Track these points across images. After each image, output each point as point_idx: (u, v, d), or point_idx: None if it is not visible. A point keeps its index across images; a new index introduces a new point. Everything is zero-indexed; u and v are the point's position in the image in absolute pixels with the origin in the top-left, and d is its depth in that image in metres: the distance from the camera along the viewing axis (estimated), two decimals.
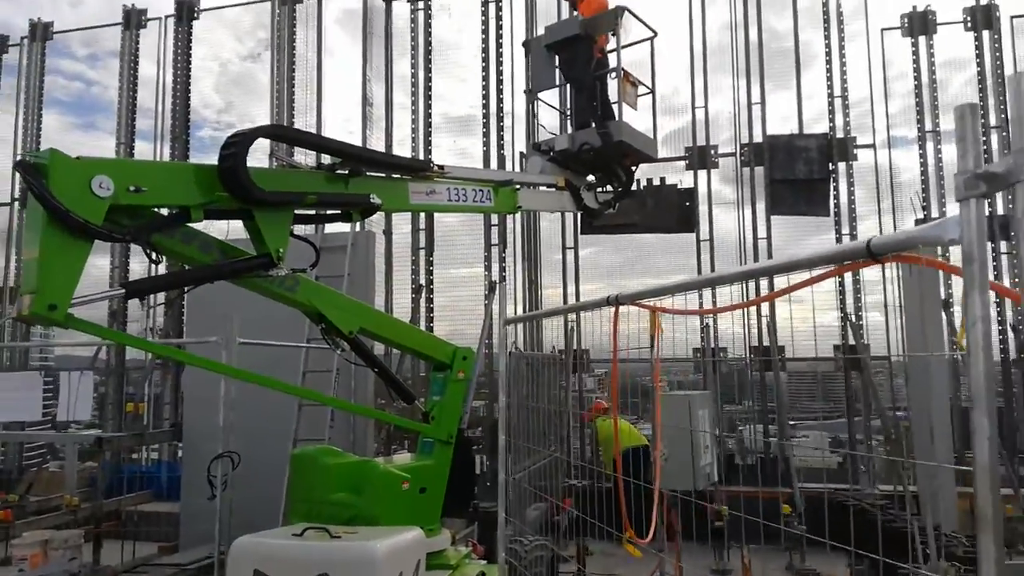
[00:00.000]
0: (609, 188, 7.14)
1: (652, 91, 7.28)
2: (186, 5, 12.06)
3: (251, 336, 6.35)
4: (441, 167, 5.01)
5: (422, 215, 10.33)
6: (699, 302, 7.55)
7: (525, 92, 8.24)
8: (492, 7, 10.44)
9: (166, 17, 12.11)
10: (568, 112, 7.35)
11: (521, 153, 10.19)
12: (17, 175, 12.68)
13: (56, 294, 3.13)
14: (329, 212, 4.35)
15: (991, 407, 1.37)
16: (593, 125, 6.83)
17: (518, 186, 5.93)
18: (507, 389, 4.74)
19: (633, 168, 7.42)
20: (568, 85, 7.37)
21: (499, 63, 10.42)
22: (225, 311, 6.08)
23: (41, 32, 12.98)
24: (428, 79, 10.72)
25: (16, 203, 12.51)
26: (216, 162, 3.59)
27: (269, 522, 4.94)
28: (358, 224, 8.59)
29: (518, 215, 10.36)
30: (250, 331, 6.36)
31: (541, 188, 6.65)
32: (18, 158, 3.27)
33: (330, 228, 8.59)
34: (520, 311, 10.48)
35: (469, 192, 5.24)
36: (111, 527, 8.45)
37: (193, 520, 7.61)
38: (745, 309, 10.07)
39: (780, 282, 1.95)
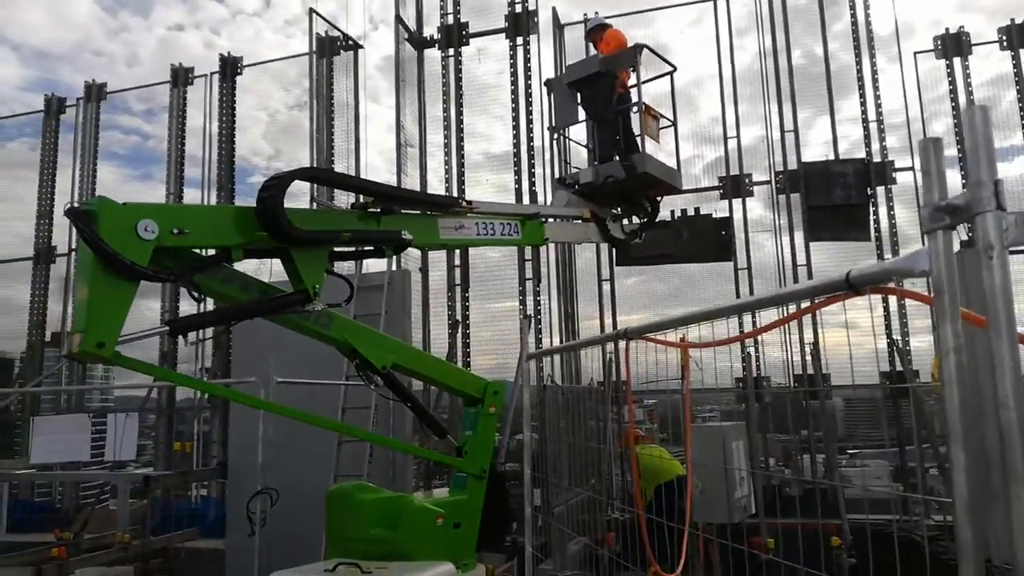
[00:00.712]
0: (636, 219, 7.22)
1: (674, 124, 7.38)
2: (230, 62, 12.67)
3: (292, 375, 6.53)
4: (470, 203, 5.13)
5: (457, 252, 10.50)
6: (736, 328, 7.48)
7: (549, 129, 8.39)
8: (520, 50, 10.70)
9: (211, 74, 12.74)
10: (592, 147, 7.48)
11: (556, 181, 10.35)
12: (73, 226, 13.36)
13: (104, 332, 3.30)
14: (363, 249, 4.51)
15: (967, 439, 1.38)
16: (617, 158, 6.94)
17: (545, 219, 6.03)
18: (532, 423, 4.76)
19: (658, 199, 7.50)
20: (590, 120, 7.51)
21: (528, 102, 10.63)
22: (267, 351, 6.29)
23: (96, 93, 13.81)
24: (460, 119, 10.98)
25: (74, 253, 13.17)
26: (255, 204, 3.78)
27: (310, 559, 5.03)
28: (394, 263, 8.83)
29: (552, 248, 10.46)
30: (291, 370, 6.54)
31: (568, 221, 6.75)
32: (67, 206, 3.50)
33: (367, 267, 8.80)
34: (557, 343, 10.51)
35: (497, 226, 5.35)
36: (160, 564, 8.66)
37: (237, 556, 7.75)
38: (742, 341, 9.90)
39: (772, 314, 1.97)
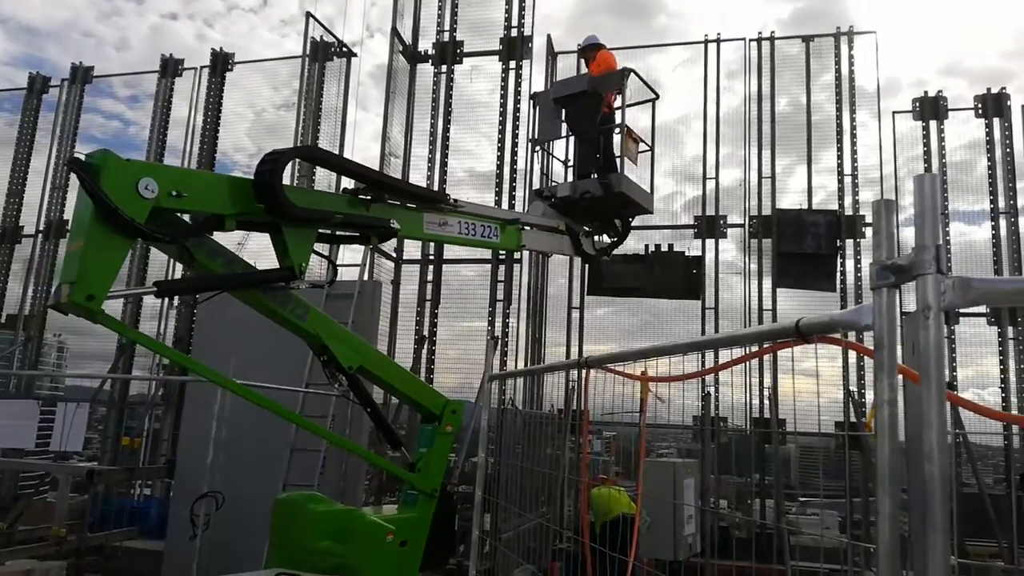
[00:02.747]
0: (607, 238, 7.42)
1: (651, 149, 7.63)
2: (221, 57, 12.63)
3: (251, 379, 6.44)
4: (456, 201, 5.24)
5: (430, 268, 10.50)
6: (699, 367, 7.57)
7: (531, 141, 8.56)
8: (512, 74, 10.81)
9: (201, 67, 12.68)
10: (571, 163, 7.71)
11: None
12: (44, 207, 13.14)
13: (95, 285, 3.31)
14: (349, 234, 4.56)
15: (895, 487, 1.42)
16: (594, 175, 7.15)
17: (523, 226, 6.16)
18: (489, 446, 4.76)
19: (630, 219, 7.74)
20: (572, 136, 7.73)
21: (515, 125, 10.73)
22: (227, 354, 6.20)
23: (82, 75, 13.66)
24: (446, 135, 11.03)
25: (40, 235, 12.92)
26: (253, 177, 3.83)
27: (251, 567, 4.94)
28: (366, 273, 8.81)
29: (525, 272, 10.52)
30: (250, 374, 6.44)
31: (545, 231, 6.91)
32: (75, 156, 3.51)
33: (338, 275, 8.76)
34: (522, 367, 10.52)
35: (478, 227, 5.49)
36: (94, 561, 8.41)
37: (176, 559, 7.57)
38: (703, 381, 10.10)
39: (728, 354, 2.01)
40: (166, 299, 11.60)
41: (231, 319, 7.31)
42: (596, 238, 7.61)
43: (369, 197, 4.48)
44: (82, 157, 3.42)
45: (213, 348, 7.26)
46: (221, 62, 12.62)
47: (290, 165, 5.82)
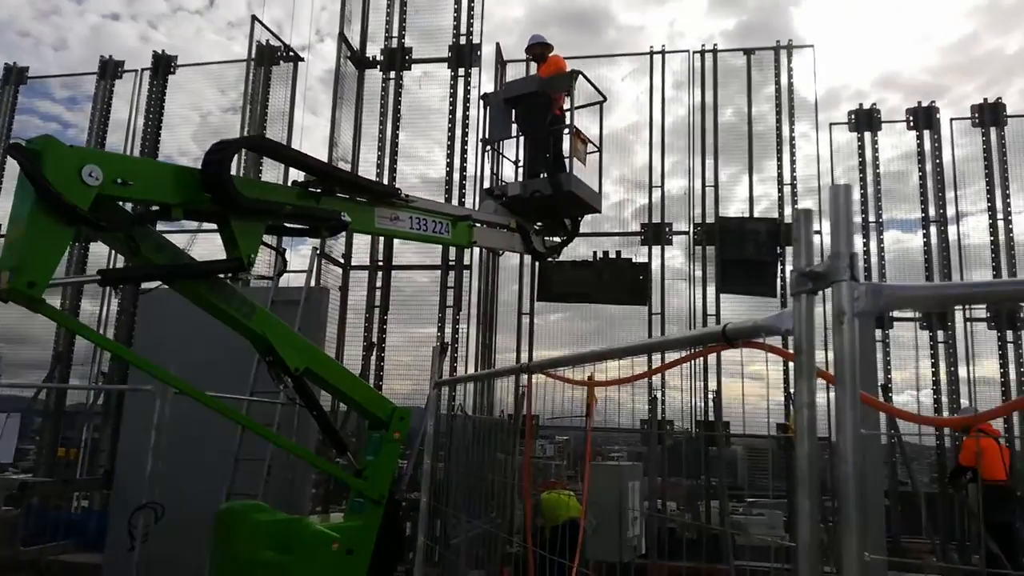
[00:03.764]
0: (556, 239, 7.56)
1: (600, 150, 7.81)
2: (163, 60, 12.34)
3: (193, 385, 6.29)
4: (407, 196, 5.23)
5: (379, 274, 10.44)
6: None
7: (482, 141, 8.65)
8: (461, 81, 10.83)
9: (142, 70, 12.36)
10: (521, 163, 7.84)
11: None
12: None
13: (36, 273, 3.22)
14: (298, 226, 4.51)
15: (813, 488, 1.48)
16: (544, 175, 7.29)
17: (474, 223, 6.21)
18: (440, 452, 4.76)
19: (579, 219, 7.91)
20: (523, 137, 7.86)
21: (465, 132, 10.74)
22: (167, 360, 6.05)
23: (16, 76, 13.19)
24: (395, 141, 10.98)
25: None
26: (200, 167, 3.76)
27: None
28: (313, 279, 8.70)
29: (475, 278, 10.54)
30: (191, 382, 6.30)
31: (496, 228, 6.98)
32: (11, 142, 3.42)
33: (284, 281, 8.64)
34: (472, 372, 10.53)
35: (430, 223, 5.50)
36: None
37: (114, 572, 7.36)
38: (650, 385, 10.27)
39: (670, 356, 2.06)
40: (104, 308, 11.31)
41: (172, 326, 7.15)
42: (546, 237, 7.74)
43: (319, 190, 4.46)
44: (23, 143, 3.33)
45: (153, 355, 7.03)
46: (163, 64, 12.32)
47: (237, 158, 5.74)
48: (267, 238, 4.35)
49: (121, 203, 3.77)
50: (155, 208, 3.81)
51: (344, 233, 10.27)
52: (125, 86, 12.53)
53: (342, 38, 10.79)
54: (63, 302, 11.54)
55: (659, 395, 10.73)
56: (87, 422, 10.82)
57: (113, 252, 10.76)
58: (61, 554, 8.95)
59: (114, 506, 8.36)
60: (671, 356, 2.46)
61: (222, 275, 4.01)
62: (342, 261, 10.36)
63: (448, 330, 10.09)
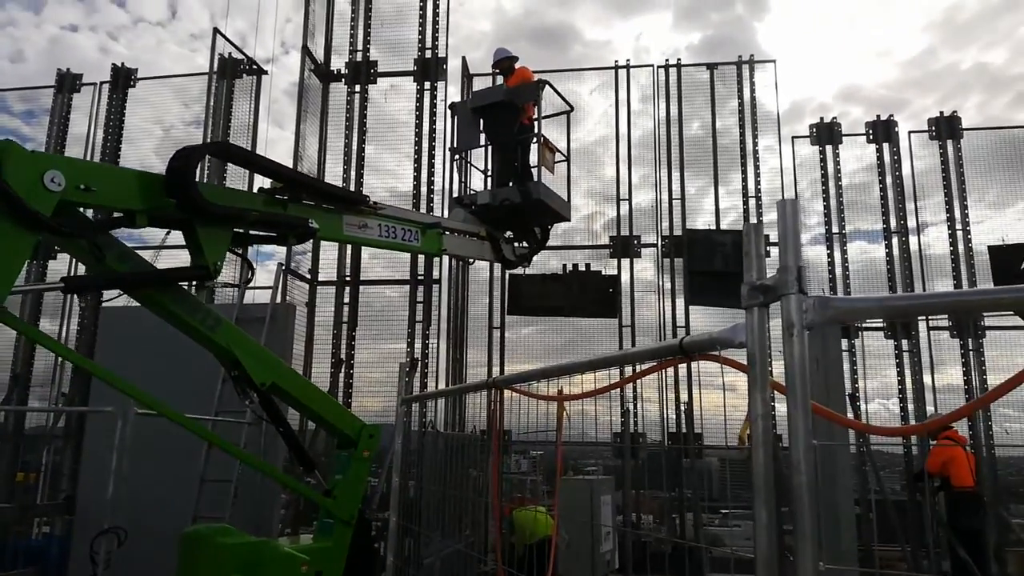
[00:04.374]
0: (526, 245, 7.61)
1: (568, 160, 7.89)
2: (123, 73, 12.16)
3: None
4: (376, 204, 5.21)
5: (346, 289, 10.34)
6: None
7: (450, 150, 8.67)
8: (427, 95, 10.83)
9: (101, 83, 12.16)
10: (490, 172, 7.89)
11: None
12: None
13: None
14: (265, 233, 4.44)
15: (769, 499, 1.49)
16: (512, 184, 7.34)
17: (444, 231, 6.20)
18: (411, 469, 4.71)
19: (548, 227, 7.97)
20: (491, 146, 7.93)
21: (432, 146, 10.72)
22: (129, 378, 5.92)
23: None
24: (361, 154, 10.91)
25: None
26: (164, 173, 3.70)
27: None
28: (278, 296, 8.60)
29: (445, 292, 10.49)
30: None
31: (465, 236, 6.99)
32: None
33: (249, 298, 8.54)
34: (444, 388, 10.46)
35: (399, 231, 5.48)
36: None
37: None
38: (623, 398, 10.31)
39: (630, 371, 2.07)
40: (64, 326, 11.06)
41: (134, 346, 7.02)
42: (516, 245, 7.79)
43: (286, 197, 4.41)
44: None
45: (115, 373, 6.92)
46: (123, 77, 12.14)
47: (200, 167, 5.67)
48: (233, 247, 4.29)
49: (83, 210, 3.70)
50: (118, 215, 3.76)
51: (311, 248, 10.22)
52: (84, 99, 12.32)
53: (306, 51, 10.74)
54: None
55: (631, 408, 10.76)
56: (47, 445, 10.53)
57: (73, 266, 10.60)
58: None
59: (76, 531, 8.15)
60: (640, 369, 2.46)
61: (188, 283, 3.97)
62: (309, 277, 10.26)
63: (418, 345, 10.02)
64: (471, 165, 8.60)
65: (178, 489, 7.13)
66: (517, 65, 8.50)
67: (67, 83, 12.37)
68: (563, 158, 8.07)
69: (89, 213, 3.92)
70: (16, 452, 10.78)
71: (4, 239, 3.16)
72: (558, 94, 8.30)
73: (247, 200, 4.32)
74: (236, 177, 10.22)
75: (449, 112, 8.73)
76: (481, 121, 8.02)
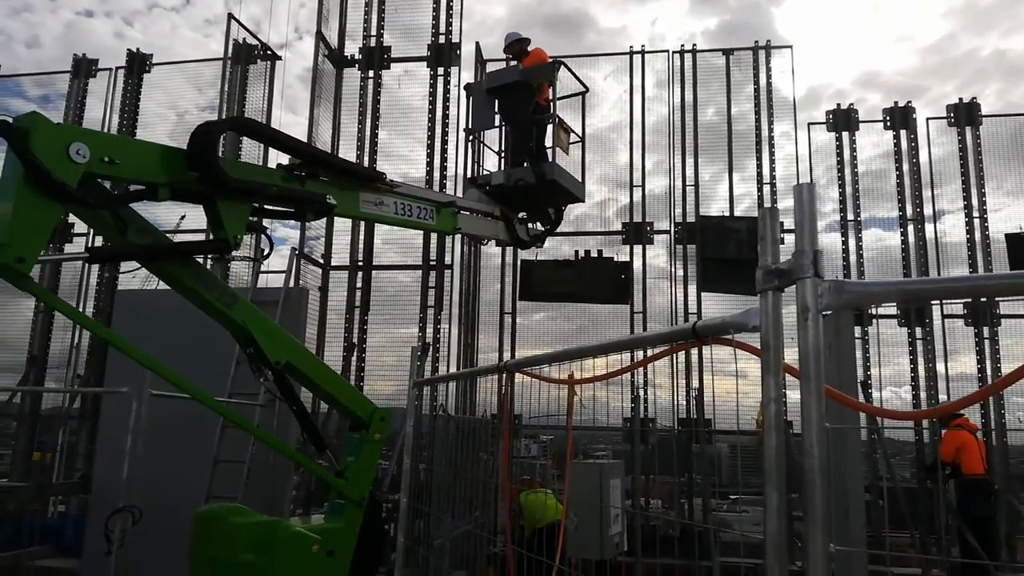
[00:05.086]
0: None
1: (582, 140, 7.85)
2: (138, 58, 12.20)
3: (170, 388, 6.23)
4: (393, 182, 5.23)
5: (359, 274, 10.38)
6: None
7: (465, 131, 8.66)
8: (441, 80, 10.80)
9: (116, 68, 12.20)
10: (504, 153, 7.88)
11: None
12: None
13: (25, 248, 3.21)
14: (283, 209, 4.48)
15: (780, 482, 1.49)
16: (526, 164, 7.33)
17: (459, 210, 6.21)
18: (423, 452, 4.74)
19: (563, 207, 7.96)
20: (506, 126, 7.91)
21: (445, 132, 10.70)
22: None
23: None
24: (374, 139, 10.92)
25: None
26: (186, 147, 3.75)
27: None
28: (291, 280, 8.64)
29: (457, 277, 10.51)
30: (168, 384, 6.24)
31: (480, 216, 7.00)
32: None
33: (263, 282, 8.58)
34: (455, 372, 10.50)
35: (414, 209, 5.51)
36: None
37: None
38: (633, 383, 10.34)
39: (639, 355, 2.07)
40: (80, 308, 11.16)
41: (149, 328, 7.08)
42: (530, 226, 7.80)
43: (304, 173, 4.45)
44: (9, 120, 3.31)
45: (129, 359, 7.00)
46: (138, 63, 12.18)
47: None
48: (252, 219, 4.34)
49: (102, 182, 3.75)
50: (138, 188, 3.81)
51: (324, 233, 10.24)
52: (99, 84, 12.38)
53: (320, 36, 10.72)
54: (36, 303, 11.40)
55: (642, 393, 10.76)
56: (63, 426, 10.69)
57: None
58: (38, 559, 8.85)
59: (91, 510, 8.27)
60: (650, 353, 2.46)
61: (209, 255, 4.05)
62: (321, 261, 10.30)
63: (430, 330, 10.05)
64: (485, 146, 8.60)
65: (192, 469, 7.22)
66: (530, 47, 8.45)
67: (83, 68, 12.43)
68: (578, 139, 8.05)
69: (109, 188, 3.98)
70: (33, 432, 10.95)
71: (31, 209, 3.23)
72: (574, 75, 8.26)
73: (266, 175, 4.37)
74: (250, 156, 10.26)
75: (464, 93, 8.70)
76: (496, 103, 8.00)
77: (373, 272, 10.47)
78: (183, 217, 11.44)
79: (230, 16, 10.83)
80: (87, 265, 10.89)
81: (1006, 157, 11.58)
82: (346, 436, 5.29)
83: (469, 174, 8.46)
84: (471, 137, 8.70)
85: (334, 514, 4.86)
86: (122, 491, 5.62)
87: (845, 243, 11.44)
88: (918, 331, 10.89)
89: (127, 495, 5.53)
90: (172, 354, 6.27)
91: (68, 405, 10.86)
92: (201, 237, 6.61)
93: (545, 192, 7.49)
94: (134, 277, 9.12)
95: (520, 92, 7.64)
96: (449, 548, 7.82)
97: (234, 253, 4.05)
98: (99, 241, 9.88)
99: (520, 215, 7.69)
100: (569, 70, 8.03)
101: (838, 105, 11.89)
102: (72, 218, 10.58)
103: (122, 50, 12.55)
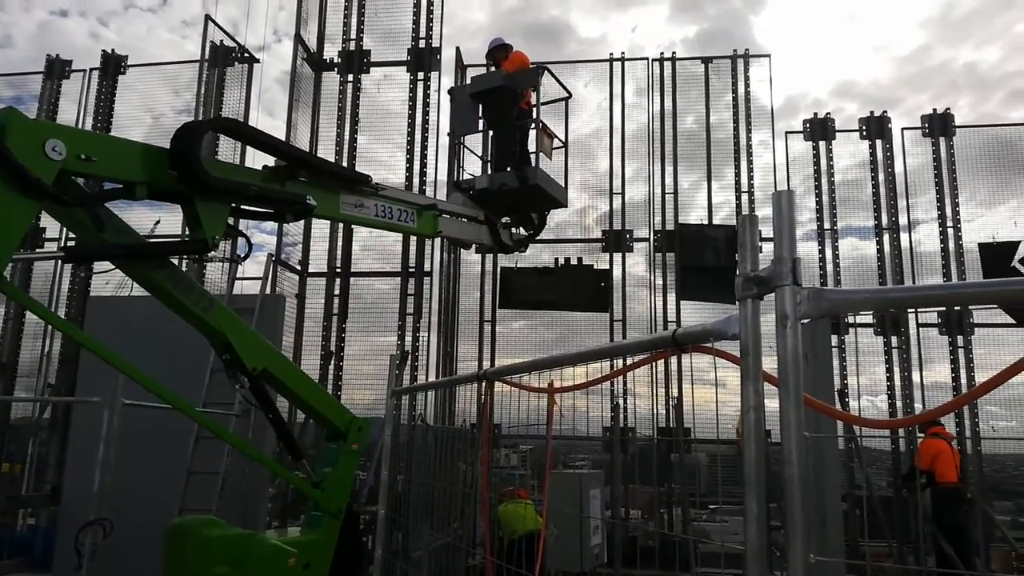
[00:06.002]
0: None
1: (565, 145, 7.88)
2: (113, 59, 12.04)
3: (143, 398, 6.11)
4: (376, 184, 5.19)
5: (337, 281, 10.29)
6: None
7: (448, 135, 8.64)
8: (421, 85, 10.77)
9: (91, 70, 12.04)
10: (488, 158, 7.87)
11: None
12: None
13: None
14: (263, 210, 4.41)
15: (760, 491, 1.47)
16: (509, 169, 7.33)
17: (440, 213, 6.18)
18: (400, 463, 4.68)
19: (546, 212, 7.96)
20: (490, 131, 7.91)
21: (425, 136, 10.67)
22: (115, 371, 5.86)
23: None
24: (353, 144, 10.86)
25: None
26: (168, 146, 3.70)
27: None
28: (268, 287, 8.55)
29: (436, 285, 10.46)
30: (142, 393, 6.12)
31: (463, 219, 6.97)
32: None
33: (238, 289, 8.48)
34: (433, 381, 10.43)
35: (395, 211, 5.47)
36: None
37: None
38: (612, 392, 10.31)
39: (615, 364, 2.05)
40: (53, 310, 10.95)
41: (121, 336, 6.94)
42: (513, 231, 7.78)
43: (285, 174, 4.41)
44: None
45: (102, 364, 6.88)
46: (113, 64, 12.02)
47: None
48: (230, 221, 4.27)
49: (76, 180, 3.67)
50: (115, 187, 3.74)
51: (301, 239, 10.15)
52: (73, 86, 12.21)
53: (298, 39, 10.65)
54: (7, 309, 11.18)
55: (621, 402, 10.76)
56: (33, 436, 10.46)
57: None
58: (7, 574, 8.63)
59: (61, 523, 8.09)
60: (630, 362, 2.44)
61: (186, 256, 3.97)
62: (299, 267, 10.19)
63: (408, 338, 9.98)
64: (468, 150, 8.58)
65: (165, 481, 7.08)
66: (512, 52, 8.45)
67: (56, 69, 12.25)
68: (561, 144, 8.07)
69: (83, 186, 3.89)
70: (1, 443, 10.71)
71: (5, 207, 3.15)
72: (557, 80, 8.27)
73: (246, 175, 4.31)
74: (225, 157, 10.13)
75: (448, 97, 8.67)
76: (480, 107, 8.00)
77: (351, 279, 10.39)
78: (157, 222, 11.28)
79: (207, 18, 10.73)
80: (59, 269, 10.70)
81: (979, 167, 11.76)
82: (323, 446, 5.21)
83: (452, 178, 8.44)
84: (455, 141, 8.68)
85: (311, 526, 4.77)
86: (93, 503, 5.48)
87: (822, 252, 11.54)
88: (894, 340, 11.00)
89: (98, 507, 5.39)
90: (145, 362, 6.14)
91: (38, 415, 10.64)
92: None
93: (529, 197, 7.49)
94: (107, 283, 8.97)
95: (503, 97, 7.65)
96: (428, 560, 7.74)
97: (211, 255, 4.00)
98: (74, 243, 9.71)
99: (504, 220, 7.68)
100: (553, 76, 8.05)
101: (815, 114, 12.02)
102: (44, 221, 10.40)
103: (97, 51, 12.40)
